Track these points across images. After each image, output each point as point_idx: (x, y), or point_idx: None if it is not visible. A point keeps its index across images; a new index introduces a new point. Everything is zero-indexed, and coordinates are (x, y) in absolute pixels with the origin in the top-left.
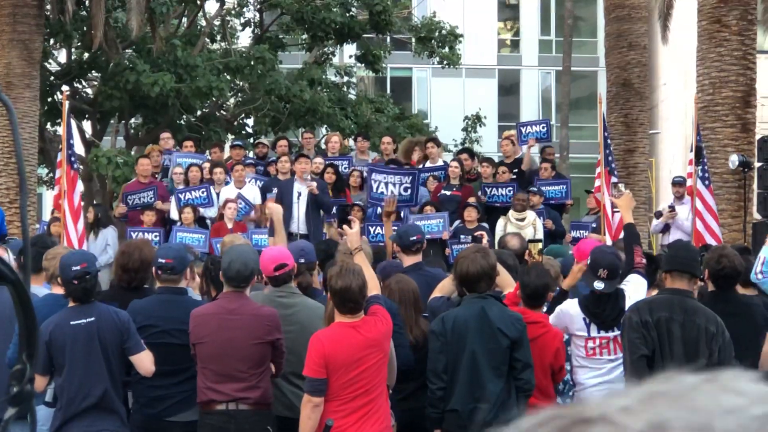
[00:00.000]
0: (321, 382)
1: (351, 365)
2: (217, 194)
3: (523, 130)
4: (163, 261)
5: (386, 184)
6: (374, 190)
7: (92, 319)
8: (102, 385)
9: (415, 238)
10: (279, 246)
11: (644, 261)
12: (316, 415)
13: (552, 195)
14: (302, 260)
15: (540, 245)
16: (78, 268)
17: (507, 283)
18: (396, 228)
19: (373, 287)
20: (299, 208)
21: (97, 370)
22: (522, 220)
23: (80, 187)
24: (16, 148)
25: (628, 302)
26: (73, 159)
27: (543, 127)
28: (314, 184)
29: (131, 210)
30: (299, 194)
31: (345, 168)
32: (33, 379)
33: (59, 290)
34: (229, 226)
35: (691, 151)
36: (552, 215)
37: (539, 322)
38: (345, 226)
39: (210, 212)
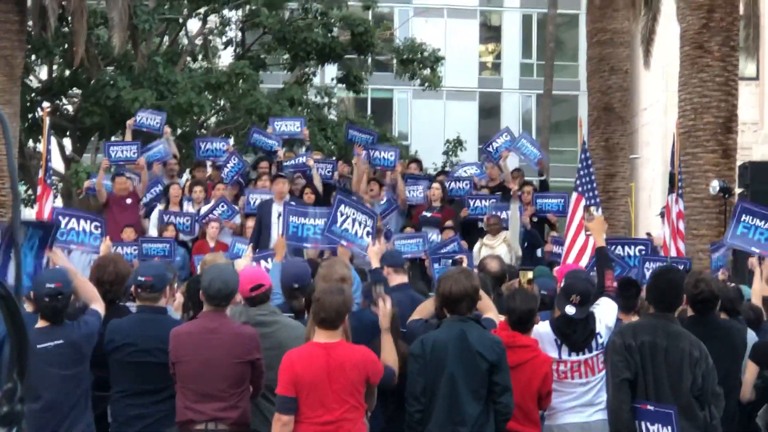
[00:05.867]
0: (290, 401)
1: (318, 386)
2: (198, 214)
3: (490, 148)
4: (143, 279)
5: (353, 220)
6: (338, 224)
7: (60, 341)
8: (70, 401)
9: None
10: (255, 266)
11: (615, 285)
12: None
13: (548, 208)
14: (296, 285)
15: (530, 274)
16: (52, 285)
17: (487, 306)
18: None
19: None
20: (278, 229)
21: (65, 388)
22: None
23: (52, 201)
24: (9, 163)
25: (598, 325)
26: (47, 174)
27: (506, 136)
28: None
29: (114, 162)
30: (279, 214)
31: (329, 172)
32: (23, 398)
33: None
34: (211, 244)
35: (671, 180)
36: (531, 234)
37: (529, 346)
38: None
39: (187, 237)
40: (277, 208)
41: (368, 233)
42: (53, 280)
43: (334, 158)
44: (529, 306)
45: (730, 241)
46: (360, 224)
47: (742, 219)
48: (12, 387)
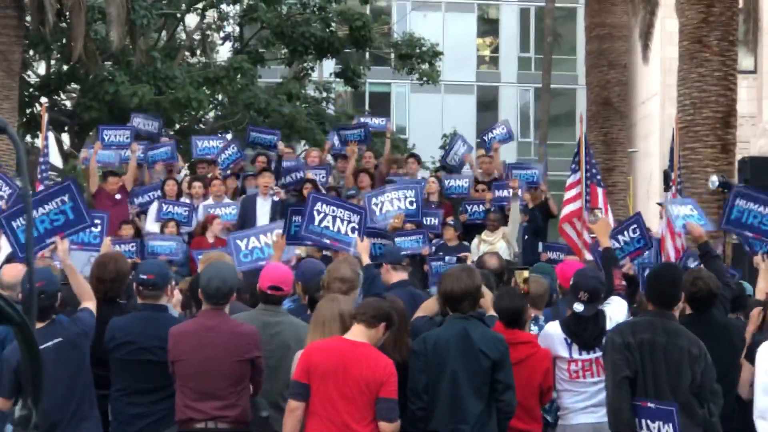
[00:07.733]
0: (299, 386)
1: (328, 378)
2: (196, 208)
3: (486, 137)
4: (145, 277)
5: (390, 201)
6: (378, 214)
7: (59, 339)
8: (75, 398)
9: (404, 254)
10: (284, 266)
11: (624, 283)
12: (291, 420)
13: (524, 178)
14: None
15: (526, 273)
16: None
17: (490, 304)
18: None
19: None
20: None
21: (70, 386)
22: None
23: None
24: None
25: (609, 323)
26: (43, 169)
27: (502, 129)
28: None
29: (107, 147)
30: (272, 209)
31: (323, 178)
32: (38, 426)
33: None
34: (210, 240)
35: (669, 178)
36: (533, 216)
37: (529, 342)
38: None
39: (185, 229)
40: (261, 202)
41: (353, 229)
42: (36, 279)
43: (328, 164)
44: (515, 303)
45: (724, 226)
46: (342, 221)
47: (736, 203)
48: (27, 414)
